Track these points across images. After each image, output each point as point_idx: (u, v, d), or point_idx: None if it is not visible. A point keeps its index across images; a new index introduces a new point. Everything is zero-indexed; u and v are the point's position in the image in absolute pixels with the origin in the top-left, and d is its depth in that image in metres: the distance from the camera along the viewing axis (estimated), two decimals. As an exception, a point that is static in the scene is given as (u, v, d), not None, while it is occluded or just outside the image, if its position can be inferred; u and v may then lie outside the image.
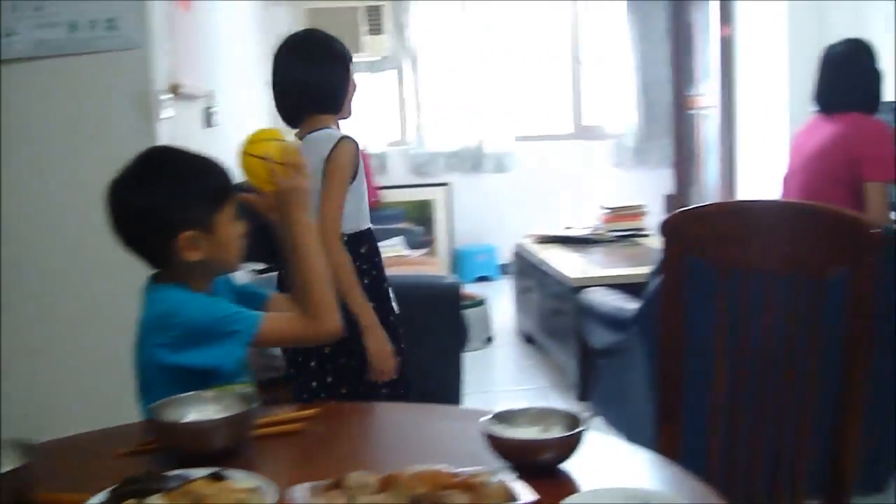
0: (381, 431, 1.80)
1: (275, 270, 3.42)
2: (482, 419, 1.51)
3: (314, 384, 2.86)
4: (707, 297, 1.93)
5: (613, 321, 3.72)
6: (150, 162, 1.99)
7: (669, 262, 2.06)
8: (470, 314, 5.32)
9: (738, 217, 2.02)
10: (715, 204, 2.13)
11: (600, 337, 3.91)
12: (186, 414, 1.66)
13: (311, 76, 2.85)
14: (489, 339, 5.94)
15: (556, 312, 5.01)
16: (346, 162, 2.73)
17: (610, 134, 8.24)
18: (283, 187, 2.02)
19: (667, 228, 2.06)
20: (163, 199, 1.92)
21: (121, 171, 1.95)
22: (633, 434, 3.71)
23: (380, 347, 2.75)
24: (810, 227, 1.91)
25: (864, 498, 3.49)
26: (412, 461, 1.35)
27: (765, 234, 1.95)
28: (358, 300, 2.71)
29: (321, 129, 2.82)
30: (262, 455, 1.61)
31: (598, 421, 4.11)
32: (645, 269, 4.09)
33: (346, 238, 2.75)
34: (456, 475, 1.30)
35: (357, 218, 2.80)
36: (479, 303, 5.85)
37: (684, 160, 8.20)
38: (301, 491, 1.31)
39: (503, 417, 1.54)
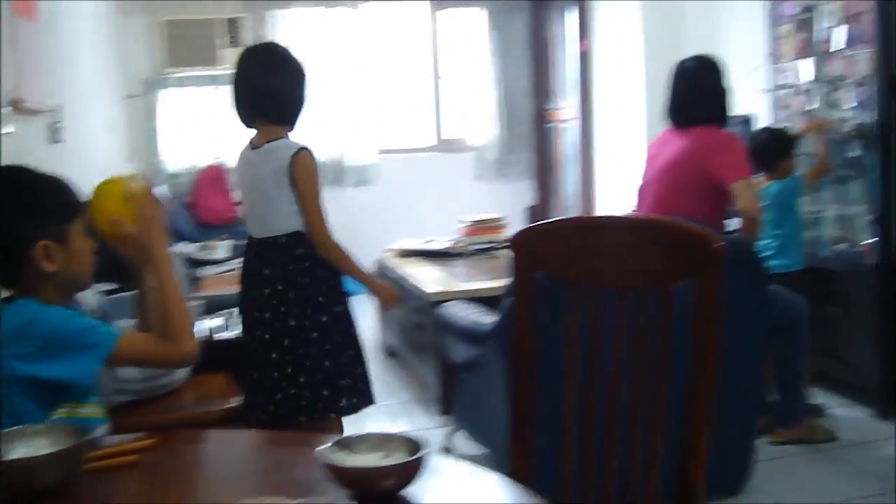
0: (219, 461, 1.74)
1: (123, 291, 3.35)
2: (321, 447, 1.47)
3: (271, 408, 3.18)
4: (557, 313, 1.93)
5: (471, 335, 3.71)
6: None
7: (519, 279, 2.05)
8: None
9: (585, 233, 2.02)
10: (563, 219, 2.12)
11: (459, 351, 3.90)
12: (13, 450, 1.58)
13: (279, 86, 3.15)
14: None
15: (418, 327, 4.99)
16: (314, 169, 3.12)
17: (471, 147, 8.29)
18: (145, 218, 2.08)
19: (515, 244, 2.05)
20: (15, 212, 1.97)
21: None
22: (493, 446, 3.71)
23: (387, 292, 3.48)
24: (656, 241, 1.92)
25: (720, 500, 3.56)
26: (250, 492, 1.31)
27: (611, 249, 1.95)
28: (360, 274, 3.30)
29: (278, 139, 3.15)
30: (94, 490, 1.54)
31: (460, 434, 4.11)
32: (504, 282, 4.10)
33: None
34: (289, 508, 1.26)
35: None
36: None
37: (544, 172, 8.30)
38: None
39: (343, 444, 1.50)
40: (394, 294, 3.53)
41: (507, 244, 5.71)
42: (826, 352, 4.75)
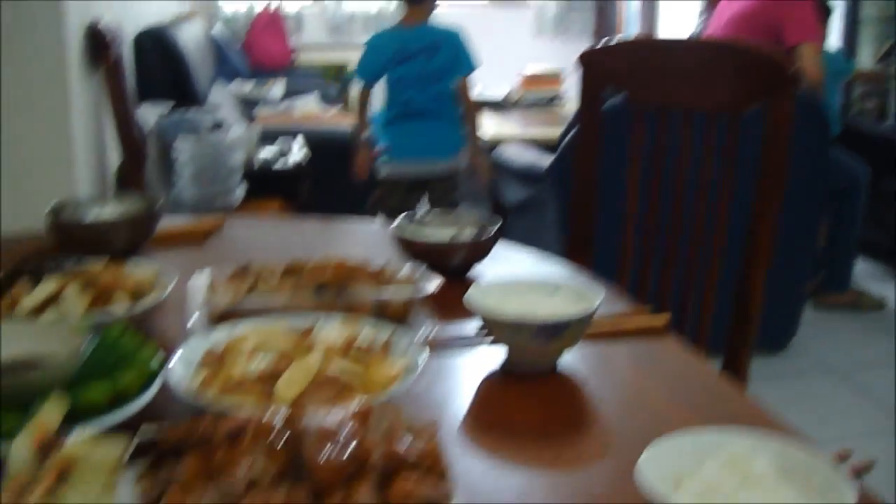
0: (288, 241, 1.75)
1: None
2: (395, 222, 1.49)
3: None
4: (622, 135, 1.90)
5: (527, 175, 3.70)
6: None
7: (587, 95, 2.02)
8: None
9: (655, 52, 1.98)
10: (633, 39, 2.08)
11: (514, 192, 3.90)
12: (86, 215, 1.61)
13: None
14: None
15: (469, 172, 4.96)
16: None
17: (529, 3, 8.13)
18: None
19: (585, 61, 2.01)
20: None
21: None
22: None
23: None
24: (727, 63, 1.87)
25: (765, 357, 3.58)
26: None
27: (682, 70, 1.91)
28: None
29: None
30: (163, 258, 1.55)
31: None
32: (560, 131, 4.07)
33: None
34: (362, 265, 1.26)
35: None
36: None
37: (605, 32, 8.16)
38: (203, 277, 1.26)
39: (415, 220, 1.51)
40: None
41: (565, 99, 5.68)
42: (877, 222, 4.70)
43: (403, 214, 1.51)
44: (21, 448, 0.45)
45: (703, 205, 1.81)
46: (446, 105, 4.02)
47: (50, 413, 0.47)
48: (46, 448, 0.46)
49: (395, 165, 4.03)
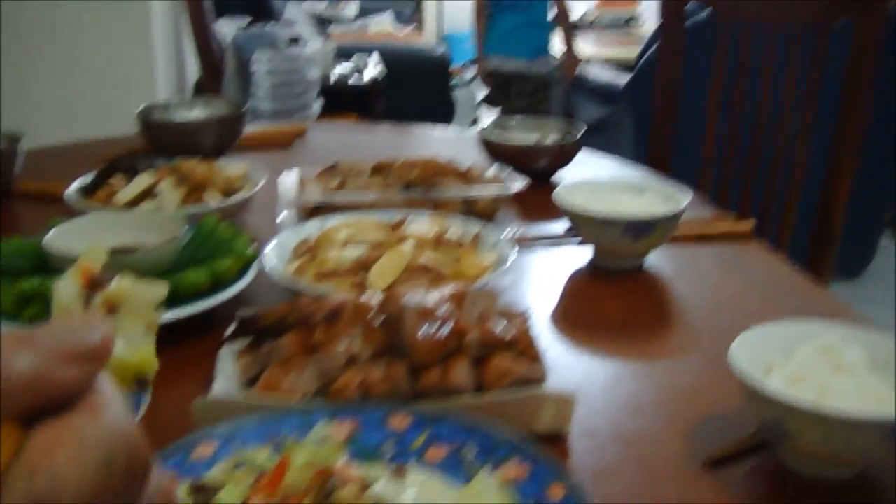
0: (373, 145, 1.77)
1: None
2: (482, 127, 1.49)
3: None
4: (704, 51, 1.88)
5: (604, 94, 3.67)
6: None
7: (669, 9, 1.99)
8: (459, 93, 5.27)
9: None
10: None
11: (589, 111, 3.87)
12: (175, 117, 1.64)
13: None
14: (475, 121, 5.90)
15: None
16: None
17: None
18: None
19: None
20: None
21: None
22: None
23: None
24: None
25: (840, 283, 3.54)
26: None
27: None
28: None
29: None
30: (250, 160, 1.58)
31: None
32: (636, 51, 4.02)
33: None
34: (450, 164, 1.28)
35: None
36: (470, 82, 5.77)
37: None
38: (292, 174, 1.28)
39: (501, 124, 1.51)
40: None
41: (642, 21, 5.58)
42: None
43: (491, 118, 1.52)
44: (67, 286, 0.47)
45: (786, 124, 1.79)
46: (538, 8, 4.22)
47: (94, 255, 0.48)
48: (93, 287, 0.48)
49: (487, 60, 4.32)
